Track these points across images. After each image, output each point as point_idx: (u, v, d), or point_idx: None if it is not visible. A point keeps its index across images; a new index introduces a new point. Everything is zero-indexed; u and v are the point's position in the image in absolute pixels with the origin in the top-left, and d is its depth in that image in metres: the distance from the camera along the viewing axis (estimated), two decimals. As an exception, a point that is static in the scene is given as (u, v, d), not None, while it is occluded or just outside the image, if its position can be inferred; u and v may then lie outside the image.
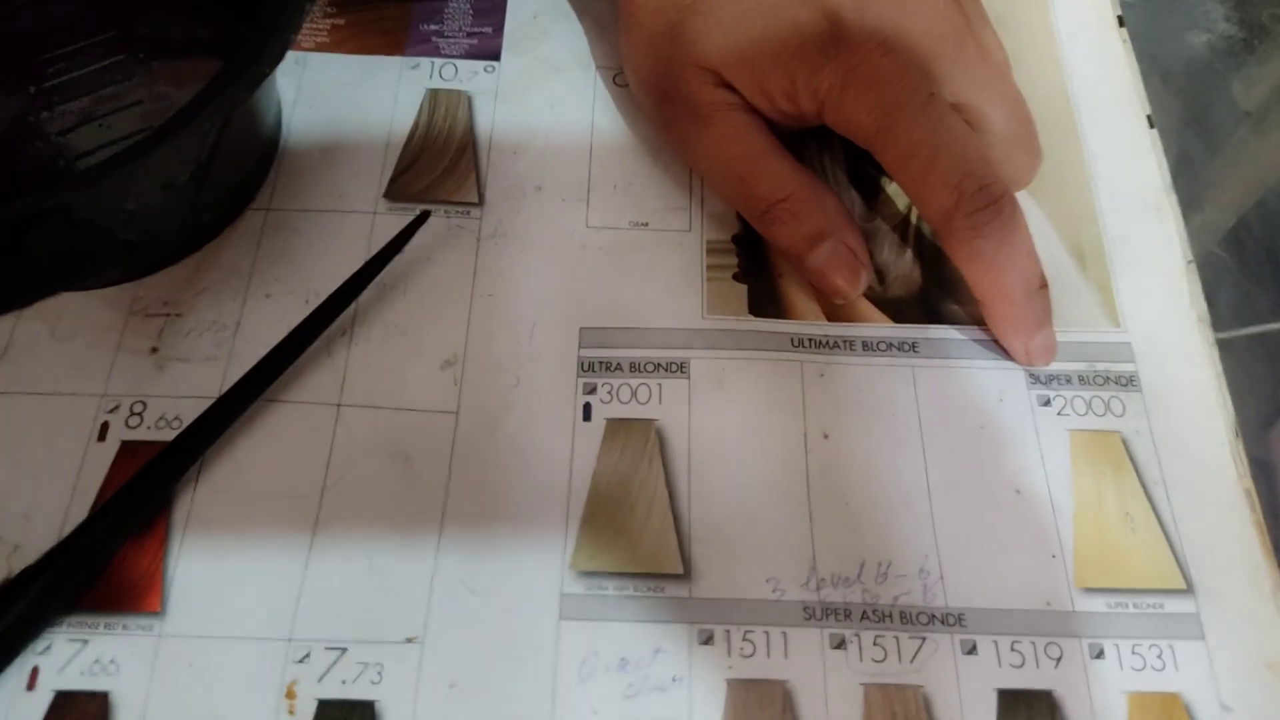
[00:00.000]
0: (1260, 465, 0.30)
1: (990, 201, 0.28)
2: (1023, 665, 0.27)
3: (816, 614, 0.27)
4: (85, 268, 0.24)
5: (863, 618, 0.27)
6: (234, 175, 0.32)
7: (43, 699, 0.26)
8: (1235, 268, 0.36)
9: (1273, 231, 0.37)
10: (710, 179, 0.33)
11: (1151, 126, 0.35)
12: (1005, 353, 0.31)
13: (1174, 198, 0.34)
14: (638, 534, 0.28)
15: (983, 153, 0.29)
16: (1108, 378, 0.31)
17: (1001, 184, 0.29)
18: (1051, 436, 0.30)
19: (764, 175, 0.31)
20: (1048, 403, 0.30)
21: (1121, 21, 0.38)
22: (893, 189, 0.34)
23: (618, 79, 0.36)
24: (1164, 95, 0.38)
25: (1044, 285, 0.30)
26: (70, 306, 0.31)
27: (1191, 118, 0.39)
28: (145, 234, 0.24)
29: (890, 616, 0.27)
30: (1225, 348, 0.32)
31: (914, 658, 0.27)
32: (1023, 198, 0.32)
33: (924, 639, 0.27)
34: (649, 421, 0.30)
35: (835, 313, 0.32)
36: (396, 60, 0.36)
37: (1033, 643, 0.27)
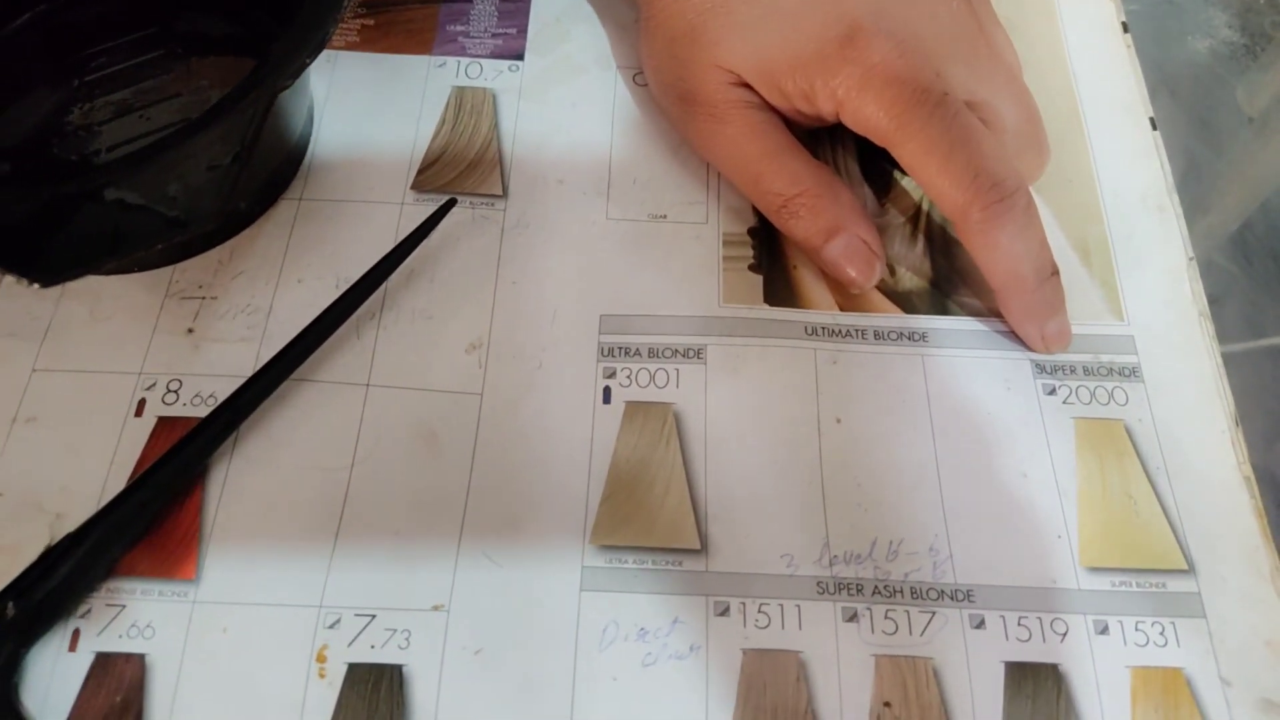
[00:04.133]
0: (1269, 478, 0.31)
1: (1005, 195, 0.29)
2: (1029, 640, 0.27)
3: (829, 589, 0.28)
4: (134, 241, 0.25)
5: (874, 593, 0.28)
6: (269, 166, 0.33)
7: (84, 660, 0.27)
8: (1243, 278, 0.37)
9: (1276, 235, 0.38)
10: (728, 175, 0.34)
11: (1155, 129, 0.36)
12: (1012, 342, 0.32)
13: (1176, 197, 0.35)
14: (656, 510, 0.29)
15: (996, 148, 0.30)
16: (1111, 369, 0.32)
17: (1016, 177, 0.30)
18: (1057, 424, 0.31)
19: (780, 171, 0.32)
20: (1053, 391, 0.31)
21: (1126, 28, 0.39)
22: (905, 184, 0.35)
23: (637, 78, 0.37)
24: (1168, 100, 0.39)
25: (1055, 273, 0.31)
26: (108, 289, 0.32)
27: (1196, 122, 0.40)
28: (189, 211, 0.26)
29: (901, 592, 0.28)
30: (1235, 361, 0.33)
31: (924, 631, 0.27)
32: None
33: (933, 613, 0.28)
34: (667, 405, 0.31)
35: (848, 303, 0.33)
36: (424, 59, 0.38)
37: (1039, 618, 0.28)
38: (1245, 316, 0.36)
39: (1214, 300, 0.33)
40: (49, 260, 0.24)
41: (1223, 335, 0.33)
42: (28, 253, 0.24)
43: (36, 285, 0.24)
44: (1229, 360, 0.32)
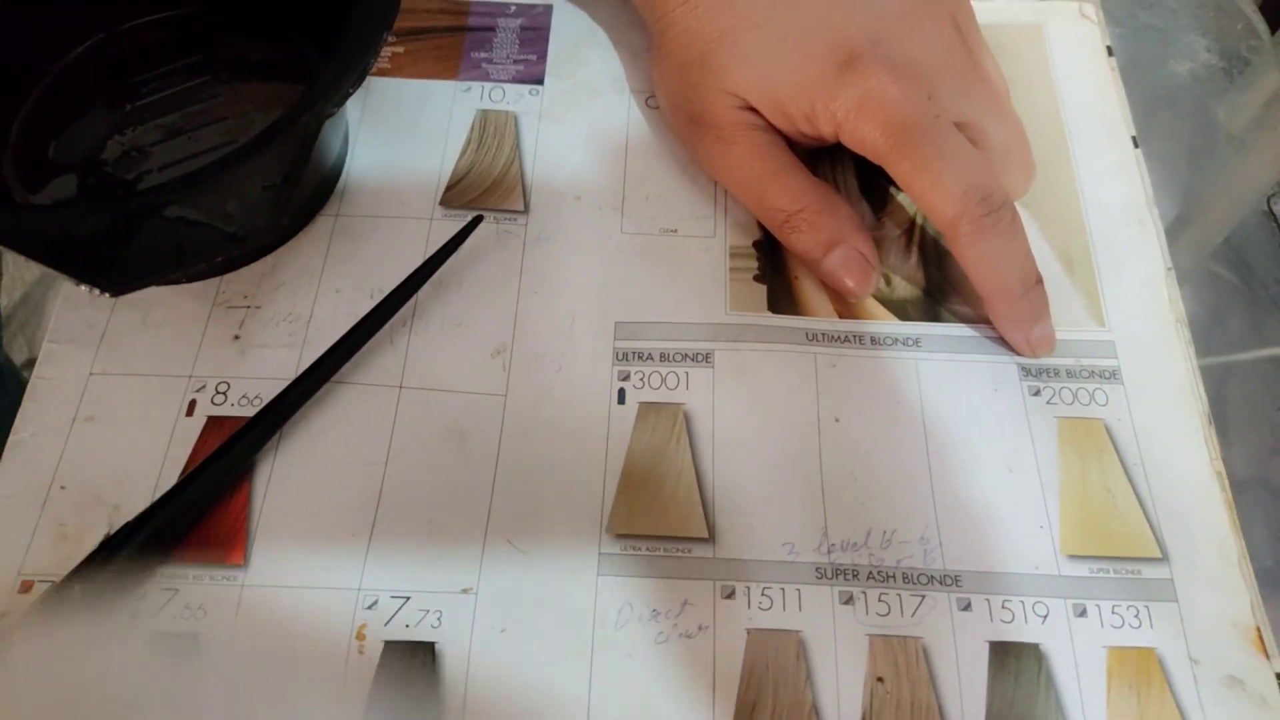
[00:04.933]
0: (1269, 487, 0.33)
1: (992, 209, 0.32)
2: (1012, 621, 0.30)
3: (827, 574, 0.30)
4: (196, 254, 0.28)
5: (869, 578, 0.30)
6: (310, 185, 0.35)
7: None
8: (1241, 290, 0.39)
9: (1258, 250, 0.40)
10: (734, 192, 0.37)
11: (1136, 146, 0.39)
12: (1000, 347, 0.34)
13: (1155, 211, 0.37)
14: (667, 502, 0.31)
15: (985, 166, 0.32)
16: (1093, 371, 0.34)
17: (1002, 193, 0.32)
18: (1041, 422, 0.33)
19: (783, 189, 0.35)
20: (1038, 393, 0.34)
21: (1110, 51, 0.41)
22: (900, 199, 0.38)
23: (650, 102, 0.40)
24: (1151, 119, 0.41)
25: (1040, 281, 0.33)
26: (160, 299, 0.35)
27: (1179, 140, 0.42)
28: (246, 226, 0.28)
29: (894, 577, 0.30)
30: (1234, 371, 0.35)
31: (914, 613, 0.30)
32: (1017, 208, 0.36)
33: (923, 596, 0.30)
34: (677, 405, 0.33)
35: (846, 310, 0.35)
36: (450, 84, 0.40)
37: (1022, 602, 0.30)
38: (1245, 330, 0.38)
39: (1213, 314, 0.36)
40: (118, 271, 0.27)
41: (1222, 346, 0.35)
42: (98, 265, 0.27)
43: (107, 295, 0.27)
44: (1229, 370, 0.35)
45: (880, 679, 0.29)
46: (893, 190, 0.38)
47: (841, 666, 0.29)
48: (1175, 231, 0.38)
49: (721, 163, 0.36)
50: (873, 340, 0.35)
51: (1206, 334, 0.35)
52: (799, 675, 0.29)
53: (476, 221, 0.35)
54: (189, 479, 0.31)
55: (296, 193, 0.29)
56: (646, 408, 0.33)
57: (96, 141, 0.37)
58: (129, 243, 0.27)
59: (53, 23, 0.37)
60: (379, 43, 0.30)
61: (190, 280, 0.35)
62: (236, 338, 0.34)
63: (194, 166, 0.28)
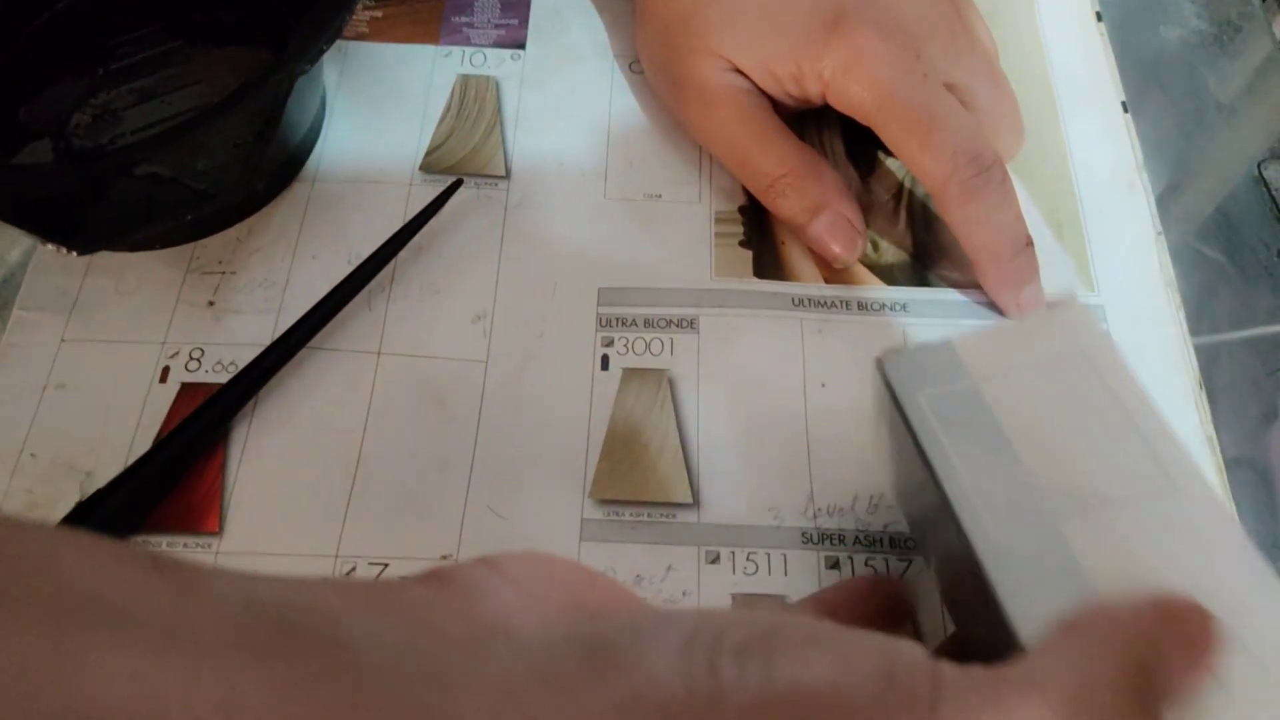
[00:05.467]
0: (1256, 466, 0.33)
1: (982, 169, 0.31)
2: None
3: (814, 539, 0.30)
4: (166, 212, 0.27)
5: (855, 542, 0.30)
6: (285, 148, 0.35)
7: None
8: (1230, 270, 0.38)
9: (1249, 216, 0.40)
10: (719, 155, 0.36)
11: (1126, 112, 0.38)
12: (989, 312, 0.34)
13: (1145, 176, 0.37)
14: (651, 468, 0.31)
15: (973, 127, 0.32)
16: (1083, 336, 0.34)
17: (991, 153, 0.31)
18: (1030, 387, 0.33)
19: (768, 152, 0.34)
20: (1027, 357, 0.33)
21: (1099, 16, 0.41)
22: (889, 164, 0.37)
23: (633, 66, 0.39)
24: (1140, 85, 0.41)
25: (1030, 244, 0.33)
26: (133, 265, 0.34)
27: (1168, 107, 0.42)
28: (216, 185, 0.27)
29: (881, 541, 0.30)
30: (1226, 350, 0.35)
31: (902, 576, 0.29)
32: (1006, 173, 0.35)
33: (910, 561, 0.29)
34: (662, 371, 0.33)
35: (833, 275, 0.35)
36: (430, 49, 0.40)
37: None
38: (1234, 307, 0.37)
39: (1204, 289, 0.35)
40: (86, 230, 0.26)
41: (1211, 325, 0.35)
42: (66, 223, 0.26)
43: (74, 253, 0.26)
44: (1219, 349, 0.34)
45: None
46: (880, 154, 0.37)
47: (828, 631, 0.28)
48: (1165, 199, 0.38)
49: (706, 126, 0.35)
50: (860, 305, 0.34)
51: (1196, 315, 0.35)
52: (784, 641, 0.28)
53: (456, 185, 0.35)
54: (162, 446, 0.30)
55: (269, 152, 0.28)
56: (631, 374, 0.33)
57: (68, 106, 0.36)
58: (98, 201, 0.26)
59: (22, -15, 0.37)
60: (353, 1, 0.30)
61: (164, 245, 0.34)
62: (211, 303, 0.34)
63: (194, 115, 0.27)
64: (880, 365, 0.24)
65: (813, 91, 0.33)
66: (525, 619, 0.18)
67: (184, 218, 0.28)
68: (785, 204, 0.34)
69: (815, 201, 0.34)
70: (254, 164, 0.28)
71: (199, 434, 0.31)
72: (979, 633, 0.23)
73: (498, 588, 0.19)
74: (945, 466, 0.22)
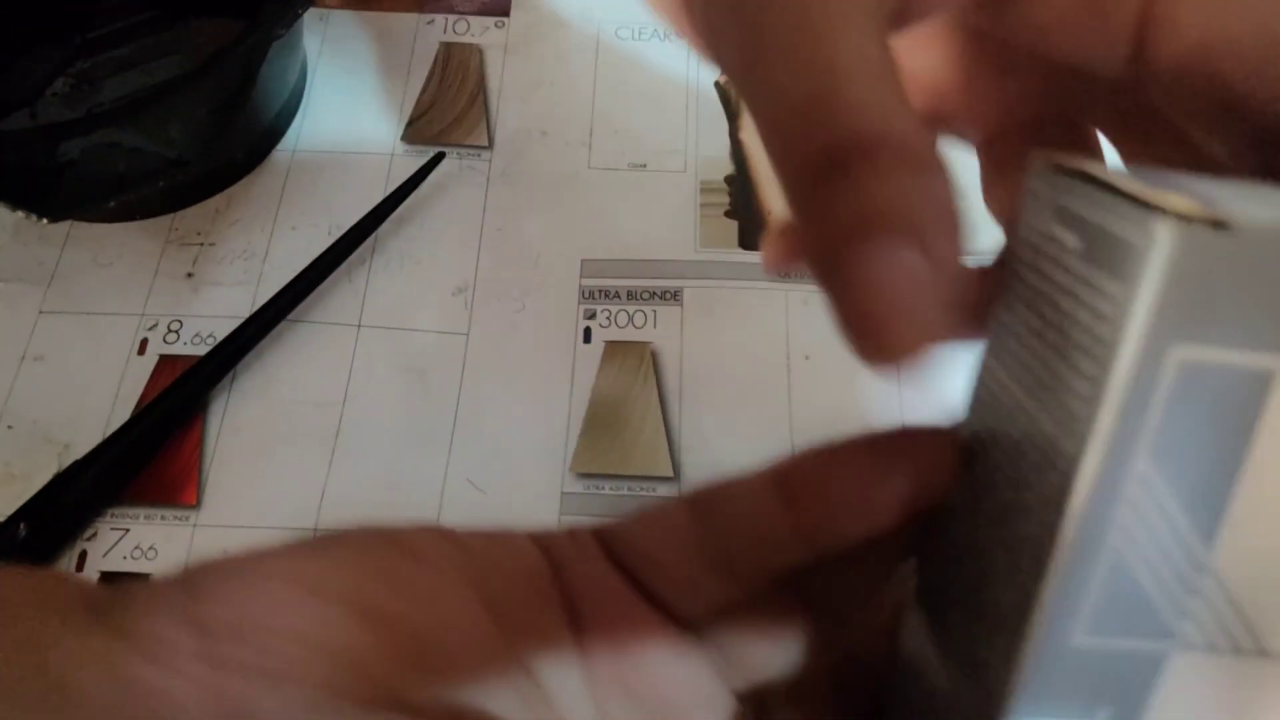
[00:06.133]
0: None
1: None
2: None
3: (795, 512, 0.29)
4: (139, 180, 0.27)
5: (837, 516, 0.29)
6: (264, 118, 0.34)
7: (89, 580, 0.28)
8: None
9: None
10: (747, 52, 0.27)
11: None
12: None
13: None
14: (632, 442, 0.31)
15: None
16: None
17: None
18: (1017, 360, 0.32)
19: (872, 85, 0.23)
20: (1015, 330, 0.33)
21: None
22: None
23: (619, 32, 0.39)
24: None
25: None
26: (111, 236, 0.34)
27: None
28: (190, 152, 0.27)
29: (863, 515, 0.30)
30: None
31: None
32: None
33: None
34: (644, 344, 0.32)
35: (819, 247, 0.34)
36: (413, 17, 0.39)
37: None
38: None
39: None
40: (57, 198, 0.26)
41: None
42: (36, 191, 0.26)
43: (45, 220, 0.26)
44: None
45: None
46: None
47: (808, 605, 0.28)
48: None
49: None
50: (846, 277, 0.34)
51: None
52: (764, 614, 0.28)
53: (439, 158, 0.34)
54: (139, 417, 0.30)
55: (244, 120, 0.28)
56: (613, 347, 0.32)
57: (46, 75, 0.35)
58: (68, 168, 0.26)
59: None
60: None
61: (142, 216, 0.34)
62: (190, 275, 0.33)
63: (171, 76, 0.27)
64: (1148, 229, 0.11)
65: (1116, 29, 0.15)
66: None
67: (156, 185, 0.28)
68: (847, 202, 0.13)
69: (908, 215, 0.13)
70: (229, 132, 0.27)
71: (177, 406, 0.30)
72: (955, 615, 0.14)
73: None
74: (1119, 471, 0.12)
